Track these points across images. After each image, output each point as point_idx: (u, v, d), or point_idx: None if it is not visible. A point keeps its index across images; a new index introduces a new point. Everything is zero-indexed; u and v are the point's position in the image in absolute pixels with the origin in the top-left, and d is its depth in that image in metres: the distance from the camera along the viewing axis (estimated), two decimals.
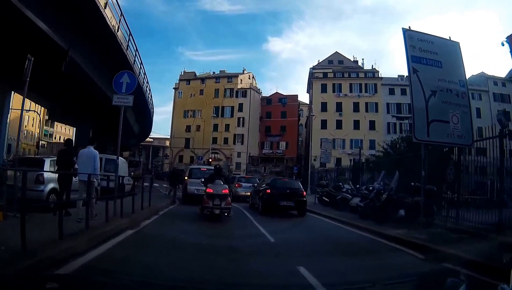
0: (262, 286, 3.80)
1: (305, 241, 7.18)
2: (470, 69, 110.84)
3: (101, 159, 8.82)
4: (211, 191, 9.38)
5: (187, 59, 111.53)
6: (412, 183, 9.83)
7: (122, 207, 7.42)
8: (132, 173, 43.70)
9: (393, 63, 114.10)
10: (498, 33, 73.88)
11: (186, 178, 15.36)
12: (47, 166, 8.12)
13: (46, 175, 7.83)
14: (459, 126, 8.79)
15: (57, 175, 7.63)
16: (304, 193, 12.62)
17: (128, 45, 19.75)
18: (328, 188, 16.00)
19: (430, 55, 9.32)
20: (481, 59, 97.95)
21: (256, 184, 16.28)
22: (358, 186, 14.02)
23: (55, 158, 8.00)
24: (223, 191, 9.41)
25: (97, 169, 7.33)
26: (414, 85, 8.42)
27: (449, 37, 9.96)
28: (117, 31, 17.64)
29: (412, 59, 8.72)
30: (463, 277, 3.51)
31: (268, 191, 12.06)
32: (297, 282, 3.97)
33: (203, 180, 10.39)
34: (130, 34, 19.97)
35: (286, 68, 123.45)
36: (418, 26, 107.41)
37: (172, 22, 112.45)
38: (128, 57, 19.76)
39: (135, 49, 21.78)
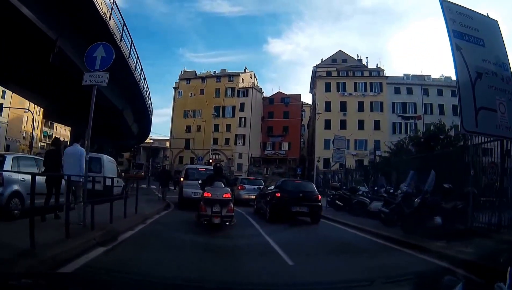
0: None
1: (334, 262, 5.44)
2: None
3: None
4: (209, 195, 7.72)
5: (187, 60, 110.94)
6: (446, 185, 8.43)
7: (93, 215, 5.76)
8: (135, 173, 43.05)
9: (394, 65, 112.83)
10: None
11: (182, 179, 13.63)
12: (8, 164, 6.65)
13: (6, 175, 6.36)
14: (506, 116, 7.43)
15: (20, 175, 6.29)
16: (319, 197, 11.05)
17: (122, 36, 18.34)
18: (342, 190, 14.47)
19: (471, 31, 7.92)
20: None
21: (261, 187, 14.69)
22: (376, 188, 12.59)
23: (20, 155, 6.69)
24: (224, 196, 7.74)
25: (83, 169, 6.76)
26: (459, 65, 7.01)
27: (487, 14, 8.64)
28: (109, 19, 16.26)
29: (454, 34, 7.33)
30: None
31: (278, 194, 10.43)
32: None
33: (200, 182, 8.72)
34: (124, 24, 18.58)
35: (287, 70, 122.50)
36: (419, 26, 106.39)
37: (172, 24, 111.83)
38: (122, 49, 18.33)
39: (130, 41, 20.35)
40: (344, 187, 15.65)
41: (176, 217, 10.51)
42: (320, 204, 10.79)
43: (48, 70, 17.44)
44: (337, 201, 13.81)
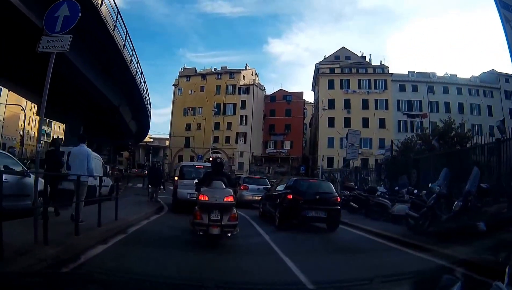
0: None
1: None
2: (480, 67, 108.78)
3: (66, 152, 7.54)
4: (206, 198, 6.01)
5: (187, 60, 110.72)
6: (483, 185, 7.24)
7: (46, 226, 4.10)
8: (135, 171, 41.99)
9: (397, 64, 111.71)
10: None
11: (176, 178, 12.01)
12: None
13: None
14: None
15: None
16: (338, 199, 9.57)
17: (115, 25, 17.08)
18: (357, 191, 13.17)
19: None
20: (488, 57, 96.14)
21: (267, 187, 13.30)
22: (397, 188, 11.35)
23: None
24: (225, 199, 6.01)
25: (90, 169, 6.79)
26: (511, 38, 5.85)
27: None
28: (101, 5, 14.99)
29: (501, 5, 6.23)
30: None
31: (290, 196, 8.80)
32: None
33: (196, 181, 7.05)
34: (118, 13, 17.29)
35: (287, 70, 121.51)
36: (419, 26, 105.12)
37: (173, 25, 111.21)
38: (115, 38, 17.09)
39: (125, 32, 19.06)
40: (357, 187, 14.44)
41: (168, 224, 8.85)
42: (339, 208, 9.26)
43: (37, 63, 16.28)
44: (351, 203, 12.50)
